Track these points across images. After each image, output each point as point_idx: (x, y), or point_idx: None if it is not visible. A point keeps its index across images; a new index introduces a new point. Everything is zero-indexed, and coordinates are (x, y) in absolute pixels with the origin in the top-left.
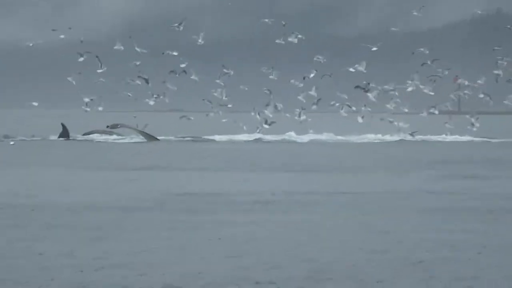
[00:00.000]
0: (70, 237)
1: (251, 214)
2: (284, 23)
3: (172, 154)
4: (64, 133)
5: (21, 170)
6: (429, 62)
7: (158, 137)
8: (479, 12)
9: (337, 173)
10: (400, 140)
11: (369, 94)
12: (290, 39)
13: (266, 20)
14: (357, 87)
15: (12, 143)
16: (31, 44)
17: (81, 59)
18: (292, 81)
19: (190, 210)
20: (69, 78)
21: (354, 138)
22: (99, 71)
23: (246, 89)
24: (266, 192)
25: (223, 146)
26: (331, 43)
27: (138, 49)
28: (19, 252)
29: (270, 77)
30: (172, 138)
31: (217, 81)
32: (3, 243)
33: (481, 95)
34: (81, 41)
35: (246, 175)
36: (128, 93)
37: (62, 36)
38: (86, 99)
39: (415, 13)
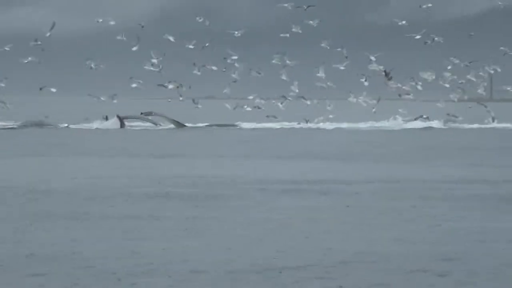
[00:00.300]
0: (101, 225)
1: (278, 201)
2: (305, 7)
3: (201, 141)
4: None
5: (53, 158)
6: (429, 42)
7: (185, 124)
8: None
9: (365, 160)
10: (428, 127)
11: (391, 82)
12: (294, 30)
13: (286, 4)
14: (380, 73)
15: (66, 125)
16: (100, 20)
17: (135, 48)
18: (318, 74)
19: (216, 197)
20: (88, 62)
21: (380, 125)
22: (153, 60)
23: (262, 75)
24: (295, 179)
25: (251, 133)
26: (359, 29)
27: (171, 39)
28: (52, 239)
29: (288, 62)
30: (201, 125)
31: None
32: (37, 230)
33: (508, 88)
34: (142, 26)
35: (274, 162)
36: (139, 81)
37: (112, 23)
38: (134, 85)
39: (424, 6)
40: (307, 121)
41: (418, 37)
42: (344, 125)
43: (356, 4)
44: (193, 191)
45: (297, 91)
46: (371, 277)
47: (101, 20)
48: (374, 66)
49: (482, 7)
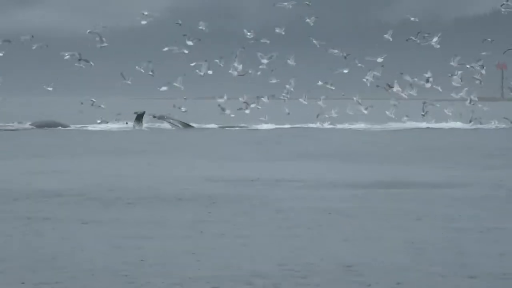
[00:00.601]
0: (108, 227)
1: (289, 202)
2: (309, 2)
3: (209, 141)
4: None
5: (62, 159)
6: (413, 38)
7: (192, 125)
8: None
9: (370, 161)
10: (427, 128)
11: (396, 89)
12: (277, 30)
13: (285, 3)
14: (377, 86)
15: (99, 121)
16: (146, 13)
17: (166, 49)
18: (319, 83)
19: (222, 198)
20: (91, 62)
21: (386, 126)
22: (192, 64)
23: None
24: (307, 181)
25: (260, 134)
26: (369, 29)
27: (189, 43)
28: (57, 241)
29: (288, 60)
30: (210, 126)
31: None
32: (42, 232)
33: None
34: (180, 24)
35: (283, 163)
36: (128, 81)
37: (144, 22)
38: (164, 88)
39: (412, 19)
40: (319, 119)
41: (435, 39)
42: (361, 125)
43: (360, 2)
44: (198, 193)
45: (292, 90)
46: (377, 282)
47: (146, 13)
48: (377, 71)
49: (487, 8)
